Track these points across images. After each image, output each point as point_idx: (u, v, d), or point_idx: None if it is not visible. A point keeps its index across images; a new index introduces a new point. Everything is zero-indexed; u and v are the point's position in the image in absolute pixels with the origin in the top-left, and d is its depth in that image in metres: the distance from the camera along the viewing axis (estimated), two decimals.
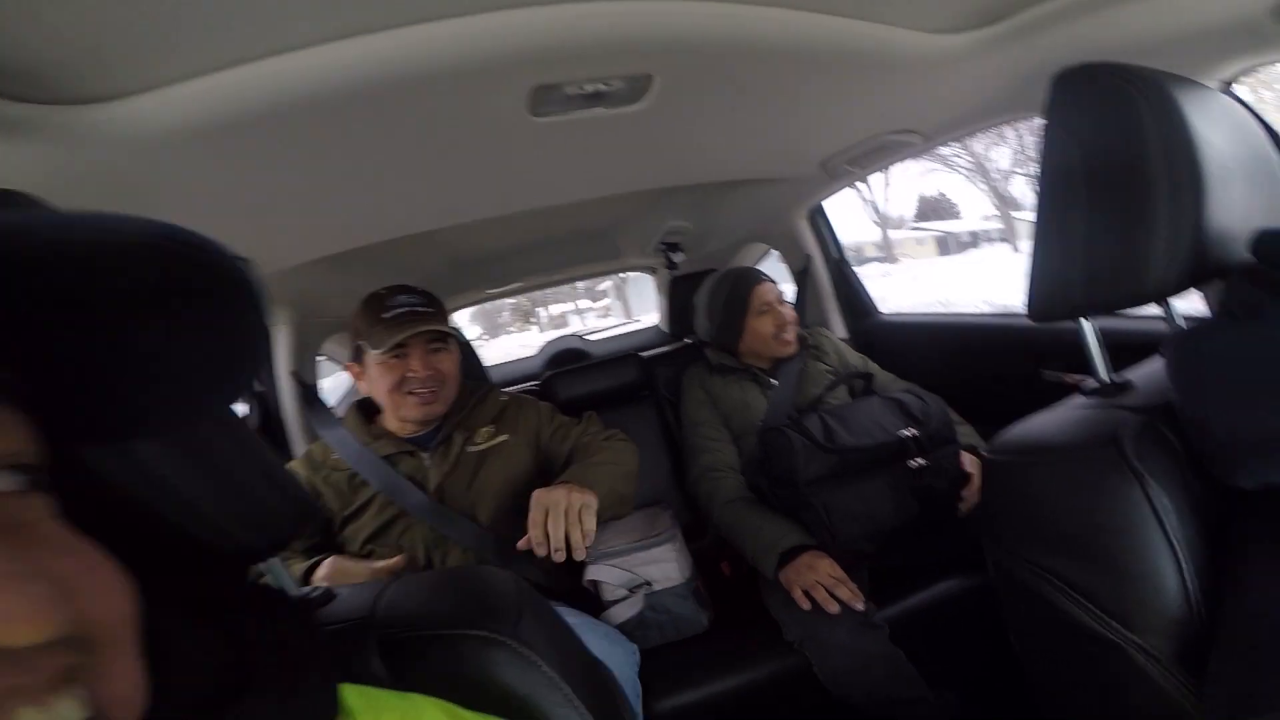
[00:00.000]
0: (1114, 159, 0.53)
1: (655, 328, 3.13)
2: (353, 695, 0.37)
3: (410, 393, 1.20)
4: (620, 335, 3.46)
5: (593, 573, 1.28)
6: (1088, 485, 0.53)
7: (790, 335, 1.57)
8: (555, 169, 1.08)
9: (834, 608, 1.14)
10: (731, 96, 0.91)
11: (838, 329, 1.91)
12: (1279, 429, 0.43)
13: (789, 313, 1.58)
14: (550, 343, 3.31)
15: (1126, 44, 0.76)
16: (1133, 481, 0.51)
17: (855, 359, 1.66)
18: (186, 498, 0.40)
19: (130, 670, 0.27)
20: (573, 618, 1.12)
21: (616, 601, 1.26)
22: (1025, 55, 0.82)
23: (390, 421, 1.28)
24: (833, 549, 1.23)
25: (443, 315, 1.24)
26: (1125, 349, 0.72)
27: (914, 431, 1.28)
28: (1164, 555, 0.50)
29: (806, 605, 1.17)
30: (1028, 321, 0.64)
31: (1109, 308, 0.58)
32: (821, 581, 1.17)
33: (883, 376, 1.60)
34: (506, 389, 1.48)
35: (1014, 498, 0.61)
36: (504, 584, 0.57)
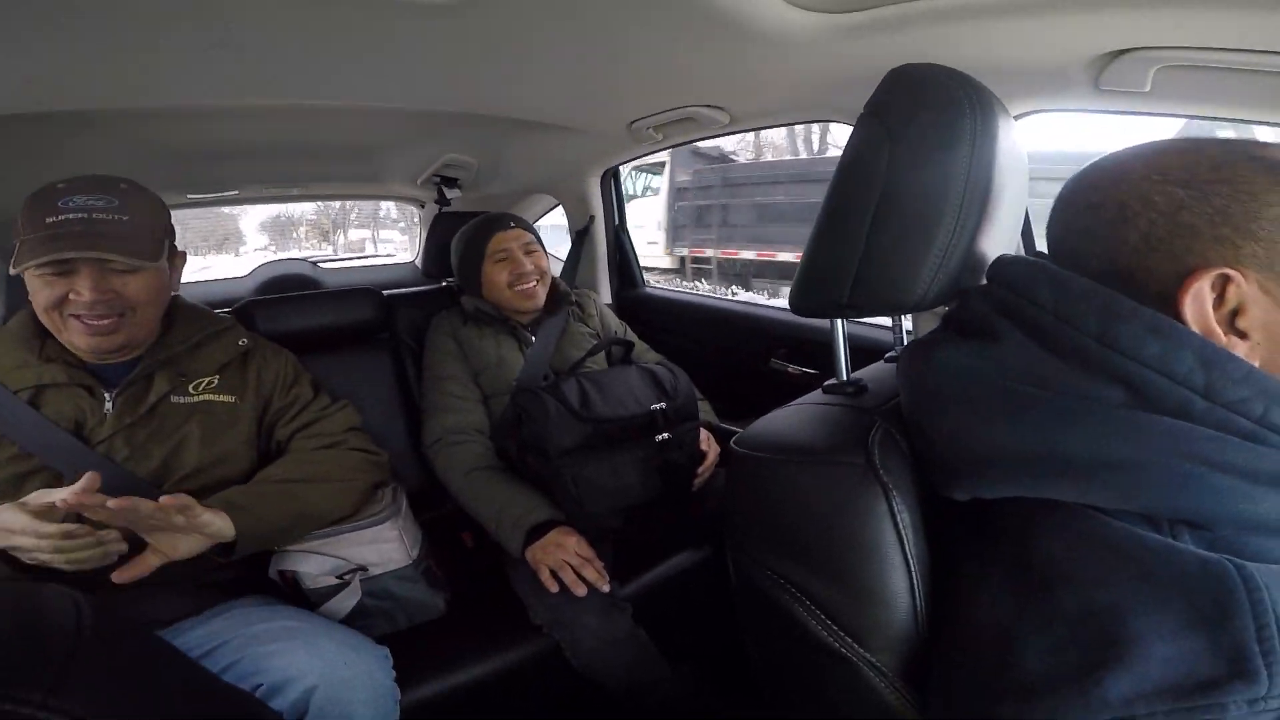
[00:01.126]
0: (923, 164, 0.52)
1: (411, 264, 2.83)
2: None
3: (74, 316, 0.87)
4: (367, 268, 3.06)
5: (283, 561, 1.02)
6: (837, 495, 0.52)
7: (530, 286, 1.45)
8: (318, 59, 0.88)
9: (581, 590, 1.09)
10: (558, 27, 0.81)
11: (604, 294, 1.90)
12: (996, 446, 0.45)
13: (534, 263, 1.47)
14: (266, 264, 2.73)
15: (957, 63, 0.79)
16: (880, 495, 0.50)
17: (617, 325, 1.65)
18: None
19: None
20: (295, 620, 0.90)
21: (326, 593, 1.03)
22: (864, 53, 0.84)
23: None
24: (580, 523, 1.18)
25: (137, 231, 0.90)
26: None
27: (663, 404, 1.28)
28: (901, 574, 0.50)
29: (555, 588, 1.10)
30: (772, 313, 0.62)
31: (868, 312, 0.59)
32: (569, 561, 1.11)
33: (639, 346, 1.60)
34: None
35: (760, 498, 0.58)
36: (53, 616, 0.39)
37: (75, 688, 0.34)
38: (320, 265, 2.85)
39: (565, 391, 1.23)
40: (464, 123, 1.42)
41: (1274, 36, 0.63)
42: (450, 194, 2.02)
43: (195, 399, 1.00)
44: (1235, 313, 0.42)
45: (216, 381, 1.03)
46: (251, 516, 0.89)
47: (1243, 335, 0.42)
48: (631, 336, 1.62)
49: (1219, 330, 0.42)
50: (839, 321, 0.65)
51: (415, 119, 1.40)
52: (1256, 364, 0.42)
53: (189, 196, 2.00)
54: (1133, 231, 0.45)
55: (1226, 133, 1.02)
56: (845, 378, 0.65)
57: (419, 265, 2.66)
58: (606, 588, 1.11)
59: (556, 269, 1.77)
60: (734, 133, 1.33)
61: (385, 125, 1.58)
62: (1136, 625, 0.36)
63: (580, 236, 1.86)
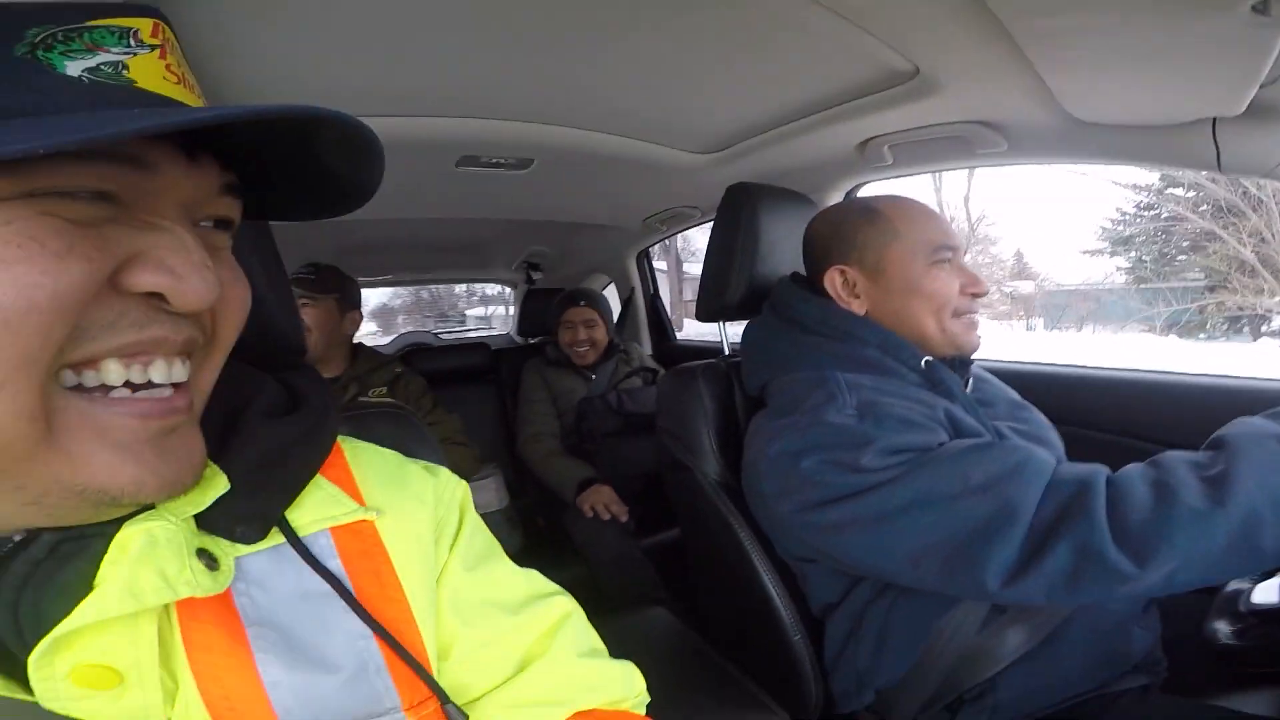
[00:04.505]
0: (729, 233, 1.07)
1: (506, 335, 3.61)
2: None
3: None
4: (476, 339, 3.89)
5: None
6: (686, 390, 1.02)
7: (582, 350, 2.09)
8: (462, 191, 1.58)
9: (606, 515, 1.70)
10: (583, 174, 1.47)
11: (646, 346, 2.54)
12: (758, 360, 0.97)
13: (588, 334, 2.09)
14: (402, 335, 3.65)
15: (784, 169, 1.36)
16: (698, 386, 1.01)
17: (653, 365, 2.28)
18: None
19: (215, 368, 0.37)
20: None
21: None
22: (733, 171, 1.41)
23: None
24: (615, 483, 1.78)
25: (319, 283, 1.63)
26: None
27: None
28: (703, 423, 0.99)
29: (590, 514, 1.71)
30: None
31: (721, 318, 1.14)
32: (602, 500, 1.73)
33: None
34: None
35: (663, 401, 1.10)
36: None
37: None
38: (440, 335, 3.71)
39: (608, 398, 1.87)
40: (541, 224, 2.11)
41: (940, 114, 1.07)
42: (535, 276, 2.76)
43: (374, 399, 1.69)
44: (855, 286, 0.92)
45: (385, 391, 1.72)
46: None
47: (857, 298, 0.92)
48: (662, 373, 2.23)
49: (843, 296, 0.92)
50: (722, 325, 1.23)
51: (510, 224, 2.10)
52: (864, 312, 0.91)
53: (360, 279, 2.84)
54: (811, 251, 0.96)
55: None
56: (726, 352, 1.23)
57: (513, 335, 3.43)
58: (624, 518, 1.70)
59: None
60: (704, 223, 1.93)
61: (491, 228, 2.28)
62: (808, 402, 0.80)
63: (626, 304, 2.53)
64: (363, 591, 0.41)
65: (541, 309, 2.35)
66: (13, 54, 0.28)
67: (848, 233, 0.91)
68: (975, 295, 0.89)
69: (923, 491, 0.67)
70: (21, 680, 0.31)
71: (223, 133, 0.33)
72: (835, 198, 1.46)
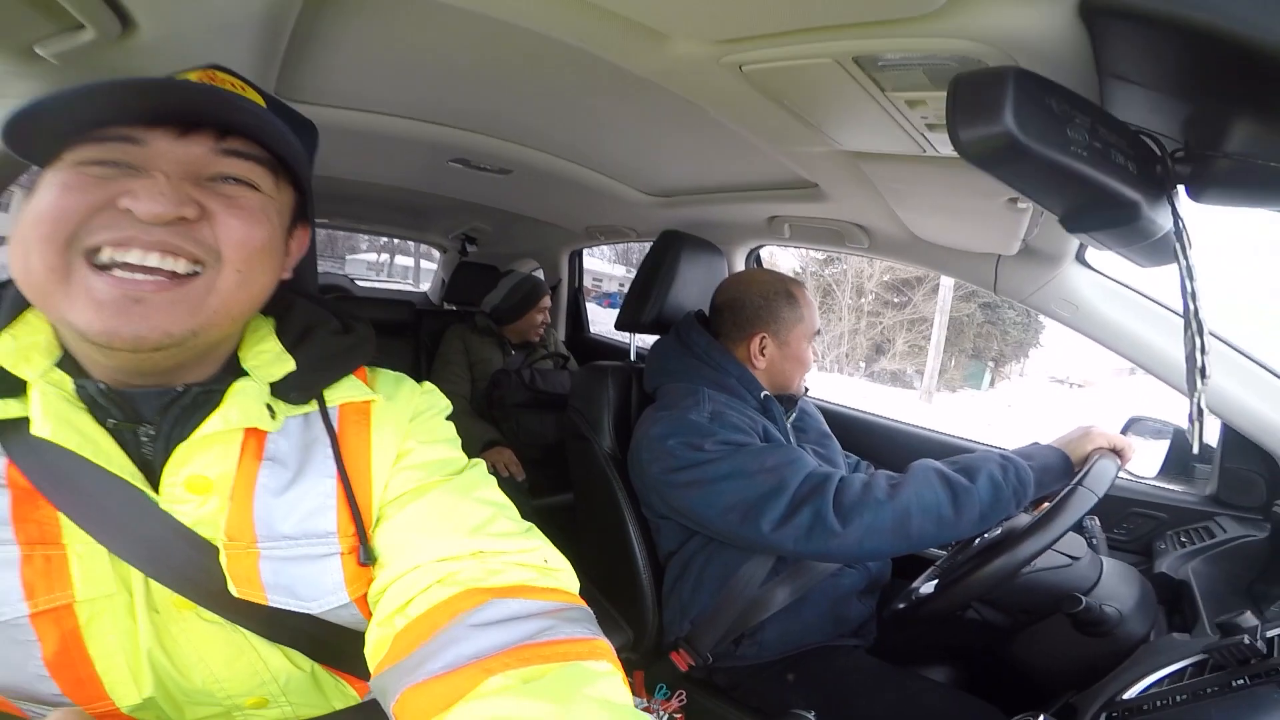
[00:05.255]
0: (654, 268, 1.37)
1: (423, 294, 3.72)
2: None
3: None
4: (388, 291, 3.94)
5: None
6: (598, 381, 1.32)
7: (543, 330, 2.41)
8: (440, 169, 1.78)
9: (505, 473, 1.95)
10: (549, 187, 1.73)
11: (561, 333, 2.80)
12: (658, 368, 1.29)
13: (548, 316, 2.42)
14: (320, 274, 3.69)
15: (709, 222, 1.68)
16: (606, 380, 1.30)
17: (564, 352, 2.55)
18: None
19: (233, 278, 0.50)
20: None
21: None
22: (670, 214, 1.73)
23: None
24: (517, 448, 2.04)
25: None
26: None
27: None
28: (606, 408, 1.29)
29: (491, 471, 1.94)
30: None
31: (634, 330, 1.43)
32: (503, 460, 1.98)
33: (574, 365, 2.49)
34: None
35: (576, 394, 1.39)
36: None
37: None
38: (357, 283, 3.75)
39: (521, 373, 2.12)
40: (491, 207, 2.31)
41: (828, 212, 1.40)
42: (471, 249, 2.94)
43: None
44: (765, 350, 1.23)
45: None
46: None
47: (763, 357, 1.22)
48: (572, 359, 2.51)
49: (756, 354, 1.23)
50: (632, 335, 1.53)
51: (459, 202, 2.29)
52: (763, 368, 1.23)
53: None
54: (740, 309, 1.24)
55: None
56: (633, 359, 1.53)
57: (432, 297, 3.55)
58: (521, 478, 1.97)
59: None
60: (642, 241, 2.23)
61: (443, 200, 2.40)
62: (681, 404, 1.13)
63: (552, 293, 2.77)
64: (344, 444, 0.60)
65: (473, 280, 2.55)
66: None
67: (776, 308, 1.22)
68: (814, 361, 1.29)
69: (735, 468, 1.02)
70: (154, 487, 0.52)
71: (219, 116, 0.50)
72: (742, 252, 1.81)
